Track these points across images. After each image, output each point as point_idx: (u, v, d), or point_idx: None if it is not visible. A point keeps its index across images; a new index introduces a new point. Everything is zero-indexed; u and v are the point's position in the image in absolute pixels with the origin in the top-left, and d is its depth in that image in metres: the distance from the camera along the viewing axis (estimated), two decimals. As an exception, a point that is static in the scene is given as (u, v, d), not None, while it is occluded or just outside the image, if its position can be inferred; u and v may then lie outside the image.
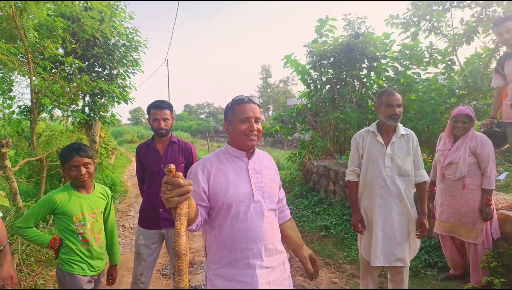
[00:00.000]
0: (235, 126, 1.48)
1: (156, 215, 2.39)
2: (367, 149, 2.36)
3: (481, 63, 5.07)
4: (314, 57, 6.96)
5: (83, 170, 1.93)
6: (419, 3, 5.67)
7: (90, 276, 1.97)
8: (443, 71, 6.02)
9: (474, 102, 5.46)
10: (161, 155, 2.44)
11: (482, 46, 5.75)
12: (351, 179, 2.42)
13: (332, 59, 6.82)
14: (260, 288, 1.40)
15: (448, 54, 5.78)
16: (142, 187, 2.57)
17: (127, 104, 8.18)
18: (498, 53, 5.21)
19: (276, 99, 44.86)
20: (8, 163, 3.59)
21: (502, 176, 5.38)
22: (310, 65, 7.21)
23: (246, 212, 1.44)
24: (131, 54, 7.75)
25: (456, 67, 5.86)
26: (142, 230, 2.43)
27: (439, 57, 5.88)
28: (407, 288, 2.37)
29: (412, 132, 2.36)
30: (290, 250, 1.66)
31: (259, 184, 1.50)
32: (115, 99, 7.70)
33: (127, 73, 7.90)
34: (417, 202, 2.36)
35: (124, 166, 12.73)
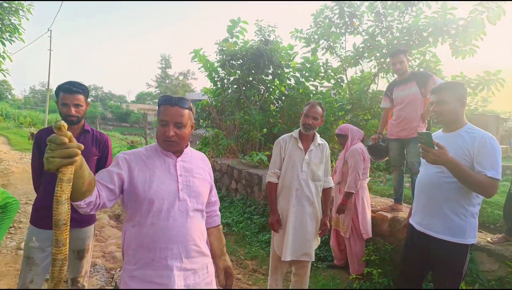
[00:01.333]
0: (157, 127, 1.46)
1: None
2: (289, 153, 2.55)
3: (365, 84, 5.97)
4: (224, 56, 7.04)
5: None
6: (321, 23, 6.31)
7: None
8: (334, 86, 6.88)
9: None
10: None
11: (363, 69, 6.80)
12: (272, 180, 2.57)
13: (241, 60, 7.00)
14: (177, 285, 1.35)
15: (339, 72, 6.63)
16: (37, 180, 2.19)
17: (-2, 76, 6.77)
18: (377, 77, 6.23)
19: (174, 92, 43.44)
20: None
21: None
22: (219, 63, 7.26)
23: (169, 210, 1.39)
24: (9, 17, 6.43)
25: (344, 85, 6.77)
26: (36, 230, 2.07)
27: (332, 74, 6.70)
28: (308, 280, 2.63)
29: (326, 143, 2.64)
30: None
31: (187, 182, 1.45)
32: (-19, 68, 6.28)
33: (1, 39, 6.51)
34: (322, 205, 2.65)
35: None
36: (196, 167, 1.52)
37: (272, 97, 7.40)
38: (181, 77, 48.79)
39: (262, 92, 7.25)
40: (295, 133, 2.60)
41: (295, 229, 2.48)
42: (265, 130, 7.07)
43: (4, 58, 6.61)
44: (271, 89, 7.35)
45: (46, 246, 2.09)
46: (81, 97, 2.10)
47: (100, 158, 2.25)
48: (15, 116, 29.47)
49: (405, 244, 2.11)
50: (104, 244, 4.10)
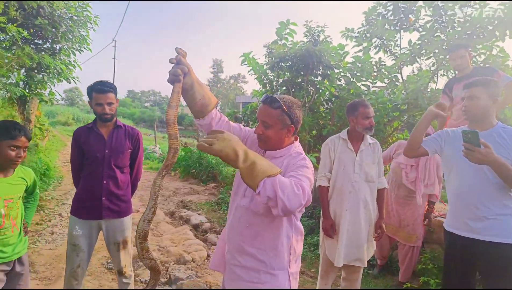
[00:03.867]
0: None
1: (97, 205, 2.26)
2: (338, 155, 2.49)
3: (422, 83, 5.62)
4: (273, 58, 7.09)
5: (22, 152, 1.82)
6: (373, 20, 6.08)
7: (1, 263, 1.85)
8: (388, 86, 6.57)
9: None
10: (106, 140, 2.28)
11: (421, 67, 6.40)
12: (323, 184, 2.52)
13: (290, 62, 6.99)
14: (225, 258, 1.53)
15: (394, 71, 6.32)
16: (77, 175, 2.38)
17: (70, 83, 7.52)
18: (436, 75, 5.83)
19: (225, 95, 44.66)
20: None
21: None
22: (268, 66, 7.33)
23: (231, 207, 1.57)
24: (79, 29, 7.14)
25: (399, 84, 6.43)
26: (77, 220, 2.28)
27: (386, 73, 6.40)
28: (359, 286, 2.55)
29: (377, 142, 2.55)
30: None
31: None
32: (56, 76, 7.03)
33: (72, 49, 7.25)
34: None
35: (58, 149, 11.74)
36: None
37: (321, 99, 7.28)
38: (232, 81, 50.02)
39: (311, 94, 7.17)
40: (343, 134, 2.54)
41: (348, 233, 2.41)
42: (314, 132, 6.98)
43: (74, 66, 7.33)
44: (320, 90, 7.23)
45: (88, 234, 2.27)
46: (112, 95, 2.25)
47: (133, 151, 2.40)
48: (85, 120, 32.52)
49: (447, 253, 1.98)
50: (160, 239, 4.36)
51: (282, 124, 1.39)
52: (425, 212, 3.13)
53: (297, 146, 1.50)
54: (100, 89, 2.20)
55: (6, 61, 4.42)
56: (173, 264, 3.59)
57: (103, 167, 2.26)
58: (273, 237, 1.42)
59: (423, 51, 5.51)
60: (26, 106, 6.85)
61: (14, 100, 6.60)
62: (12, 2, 4.07)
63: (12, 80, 6.09)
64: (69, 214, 2.35)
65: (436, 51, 5.29)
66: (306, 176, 1.28)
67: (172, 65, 1.31)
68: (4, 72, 4.37)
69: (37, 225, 4.47)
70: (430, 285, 2.82)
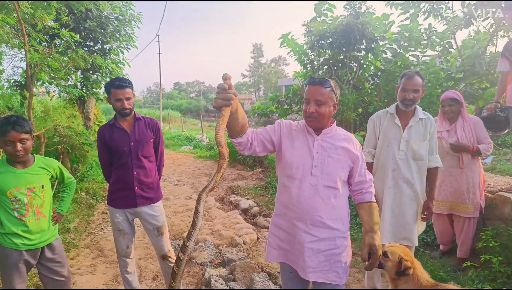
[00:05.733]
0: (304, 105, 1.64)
1: (131, 194, 2.39)
2: (384, 131, 2.38)
3: (480, 47, 5.11)
4: (313, 37, 6.88)
5: (19, 146, 1.87)
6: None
7: (26, 250, 1.97)
8: (440, 54, 6.06)
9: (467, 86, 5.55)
10: (129, 133, 2.39)
11: (478, 30, 5.80)
12: (366, 160, 2.38)
13: (330, 39, 6.74)
14: (299, 241, 1.59)
15: (446, 37, 5.80)
16: (107, 170, 2.51)
17: (121, 80, 7.99)
18: (495, 37, 5.26)
19: (267, 79, 44.45)
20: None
21: (488, 160, 5.57)
22: (308, 45, 7.13)
23: (302, 181, 1.59)
24: (124, 28, 7.51)
25: (453, 50, 5.90)
26: (116, 209, 2.44)
27: (437, 40, 5.90)
28: None
29: (431, 117, 2.37)
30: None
31: (321, 160, 1.59)
32: (109, 75, 7.51)
33: (120, 48, 7.67)
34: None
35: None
36: (335, 147, 1.63)
37: (366, 74, 6.96)
38: (273, 64, 49.55)
39: (355, 70, 6.88)
40: (391, 108, 2.40)
41: (392, 211, 2.33)
42: (360, 110, 6.72)
43: (124, 64, 7.75)
44: (364, 66, 6.92)
45: (127, 219, 2.45)
46: (130, 90, 2.34)
47: (155, 139, 2.50)
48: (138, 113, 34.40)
49: None
50: (212, 223, 4.56)
51: (331, 102, 1.58)
52: (483, 181, 2.93)
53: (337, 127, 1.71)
54: (118, 85, 2.28)
55: (64, 64, 4.82)
56: (225, 247, 3.75)
57: (131, 159, 2.37)
58: (343, 206, 1.64)
59: (479, 11, 4.98)
60: (85, 105, 7.43)
61: (74, 100, 7.19)
62: (62, 8, 4.37)
63: (70, 82, 6.63)
64: (107, 205, 2.53)
65: (494, 10, 4.75)
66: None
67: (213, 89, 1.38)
68: (63, 75, 4.79)
69: (104, 214, 4.92)
70: (492, 263, 2.63)
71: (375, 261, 1.51)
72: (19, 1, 3.81)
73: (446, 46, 5.85)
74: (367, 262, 1.54)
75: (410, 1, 5.95)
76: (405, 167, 2.30)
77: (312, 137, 1.63)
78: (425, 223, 2.48)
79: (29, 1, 4.12)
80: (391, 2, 6.18)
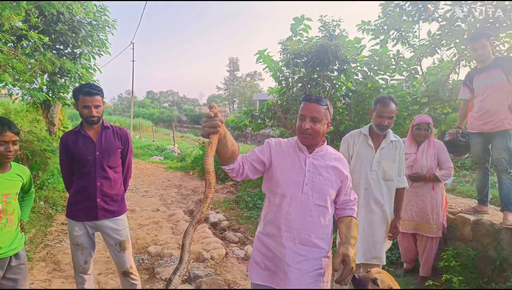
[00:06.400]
0: (297, 121, 1.64)
1: (92, 206, 2.28)
2: (357, 151, 2.44)
3: (443, 75, 5.44)
4: (288, 54, 7.03)
5: (12, 147, 1.88)
6: (390, 12, 5.93)
7: None
8: (407, 79, 6.39)
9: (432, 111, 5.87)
10: (95, 142, 2.29)
11: (442, 58, 6.19)
12: None
13: (305, 58, 6.92)
14: (287, 263, 1.56)
15: (413, 63, 6.14)
16: (69, 179, 2.39)
17: (91, 86, 7.72)
18: (458, 66, 5.63)
19: (242, 93, 44.75)
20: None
21: (449, 181, 5.87)
22: (283, 63, 7.28)
23: (292, 199, 1.58)
24: (98, 34, 7.32)
25: (418, 76, 6.25)
26: (75, 223, 2.31)
27: (404, 65, 6.23)
28: None
29: (400, 140, 2.48)
30: None
31: (312, 179, 1.59)
32: (78, 80, 7.24)
33: (92, 53, 7.45)
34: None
35: (81, 151, 12.05)
36: (326, 166, 1.63)
37: (338, 94, 7.17)
38: (248, 79, 50.08)
39: (327, 89, 7.07)
40: (365, 129, 2.48)
41: (364, 231, 2.37)
42: (332, 127, 6.90)
43: (94, 70, 7.52)
44: (337, 86, 7.13)
45: (87, 233, 2.32)
46: (100, 98, 2.26)
47: (123, 150, 2.42)
48: (107, 122, 33.36)
49: None
50: (179, 237, 4.43)
51: (326, 119, 1.60)
52: (445, 202, 3.09)
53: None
54: (87, 91, 2.19)
55: (29, 67, 4.59)
56: (192, 262, 3.64)
57: (95, 169, 2.26)
58: (330, 226, 1.65)
59: (444, 41, 5.34)
60: (50, 110, 7.10)
61: (38, 104, 6.84)
62: (32, 9, 4.20)
63: (36, 85, 6.32)
64: (66, 218, 2.39)
65: (457, 41, 5.11)
66: None
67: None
68: (28, 77, 4.55)
69: (63, 225, 4.64)
70: (453, 282, 2.74)
71: (347, 273, 1.39)
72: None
73: (413, 72, 6.18)
74: (335, 275, 1.52)
75: (381, 27, 6.26)
76: (376, 187, 2.37)
77: (304, 154, 1.64)
78: (390, 241, 2.54)
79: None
80: (363, 27, 6.48)
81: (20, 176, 2.03)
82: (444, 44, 5.49)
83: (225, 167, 1.51)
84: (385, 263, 2.44)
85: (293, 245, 1.56)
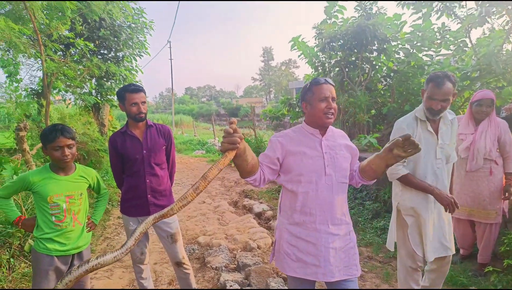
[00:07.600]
0: (314, 105, 1.63)
1: (144, 202, 2.38)
2: (418, 140, 2.11)
3: (495, 45, 4.99)
4: (323, 39, 6.85)
5: (67, 151, 1.94)
6: (433, -18, 5.53)
7: (57, 256, 1.99)
8: (455, 53, 5.94)
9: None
10: (141, 141, 2.37)
11: (493, 28, 5.66)
12: (405, 172, 2.14)
13: (341, 41, 6.70)
14: (324, 246, 1.61)
15: (461, 35, 5.69)
16: (119, 178, 2.50)
17: (133, 87, 8.12)
18: (511, 35, 5.13)
19: (278, 82, 44.46)
20: (26, 146, 3.59)
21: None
22: (319, 48, 7.10)
23: (317, 183, 1.62)
24: (137, 36, 7.64)
25: (467, 49, 5.78)
26: (129, 218, 2.44)
27: (451, 39, 5.79)
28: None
29: (455, 115, 2.22)
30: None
31: (332, 159, 1.64)
32: (122, 82, 7.64)
33: (133, 55, 7.81)
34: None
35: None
36: (339, 145, 1.70)
37: (378, 75, 6.88)
38: (283, 67, 49.55)
39: (367, 72, 6.81)
40: (419, 113, 2.15)
41: (434, 225, 2.15)
42: (373, 111, 6.64)
43: (136, 71, 7.88)
44: (377, 67, 6.84)
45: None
46: (144, 95, 2.34)
47: (166, 146, 2.49)
48: (151, 120, 34.90)
49: None
50: (226, 228, 4.56)
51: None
52: (503, 185, 2.81)
53: None
54: (134, 89, 2.28)
55: (79, 73, 4.93)
56: (240, 251, 3.74)
57: (144, 167, 2.35)
58: (346, 199, 1.74)
59: (494, 9, 4.88)
60: (100, 112, 7.58)
61: (89, 107, 7.35)
62: (77, 17, 4.49)
63: (86, 89, 6.78)
64: (121, 213, 2.52)
65: (510, 7, 4.64)
66: None
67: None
68: (78, 83, 4.90)
69: (119, 219, 4.98)
70: (516, 268, 2.56)
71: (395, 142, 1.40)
72: (34, 12, 3.92)
73: (461, 45, 5.73)
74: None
75: (423, 1, 5.86)
76: (442, 176, 2.13)
77: (318, 138, 1.67)
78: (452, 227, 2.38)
79: (45, 12, 4.24)
80: (402, 2, 6.11)
81: (85, 178, 2.12)
82: (495, 12, 5.02)
83: (246, 179, 1.56)
84: (454, 252, 2.23)
85: (326, 227, 1.62)
